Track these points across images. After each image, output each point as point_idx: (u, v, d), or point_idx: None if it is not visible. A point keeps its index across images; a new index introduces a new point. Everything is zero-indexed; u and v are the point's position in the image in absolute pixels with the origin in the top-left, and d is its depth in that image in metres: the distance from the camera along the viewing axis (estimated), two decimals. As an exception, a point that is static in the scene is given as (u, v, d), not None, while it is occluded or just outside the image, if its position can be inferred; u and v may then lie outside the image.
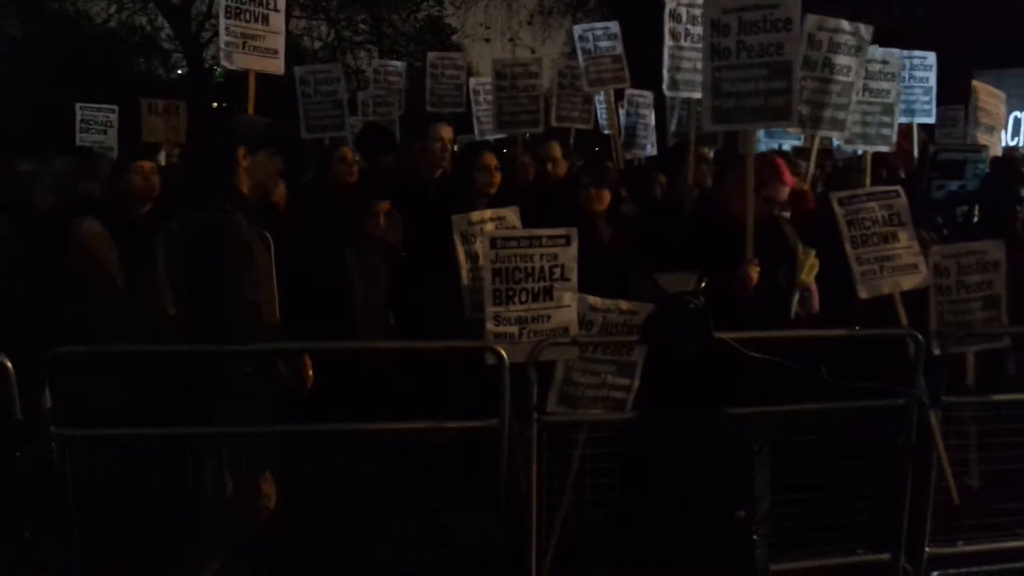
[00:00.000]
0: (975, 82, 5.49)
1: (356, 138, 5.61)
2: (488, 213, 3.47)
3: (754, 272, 3.30)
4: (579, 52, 5.78)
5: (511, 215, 3.48)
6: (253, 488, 3.03)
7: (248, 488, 3.02)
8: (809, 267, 3.40)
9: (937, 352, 3.45)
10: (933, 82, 5.73)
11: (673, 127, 5.98)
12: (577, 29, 5.94)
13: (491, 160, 4.05)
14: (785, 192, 3.51)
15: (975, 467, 3.66)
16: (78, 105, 7.35)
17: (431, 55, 7.20)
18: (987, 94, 5.50)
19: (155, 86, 17.81)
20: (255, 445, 3.05)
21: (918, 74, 5.64)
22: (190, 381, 2.96)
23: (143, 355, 3.01)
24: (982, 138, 5.28)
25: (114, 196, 3.98)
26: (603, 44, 5.74)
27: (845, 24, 3.75)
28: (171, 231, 3.02)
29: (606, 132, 7.20)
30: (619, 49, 5.77)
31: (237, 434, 3.00)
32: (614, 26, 5.83)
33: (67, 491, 2.90)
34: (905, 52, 5.34)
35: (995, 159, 4.93)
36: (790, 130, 4.17)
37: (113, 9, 19.16)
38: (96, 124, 7.29)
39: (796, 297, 3.40)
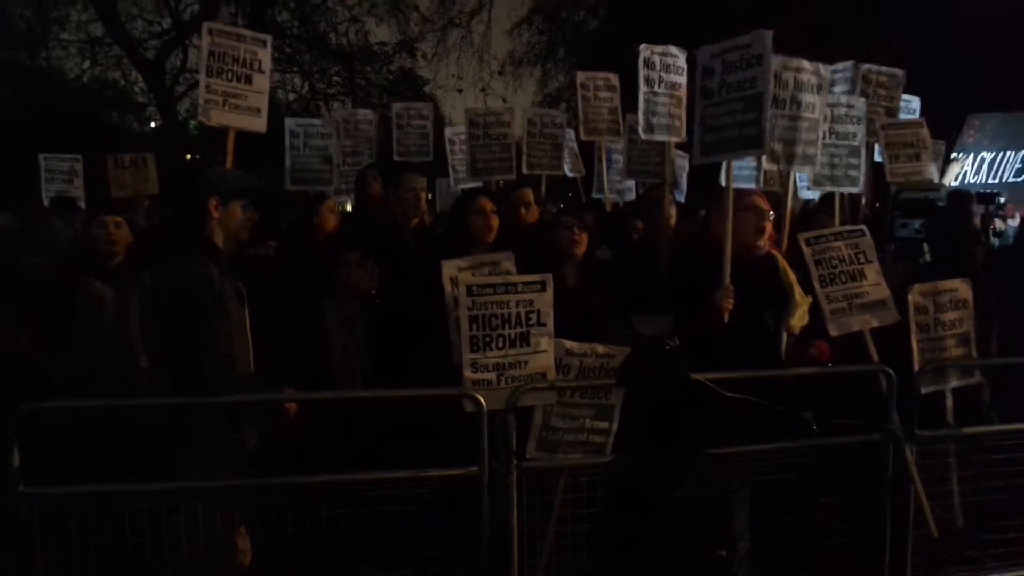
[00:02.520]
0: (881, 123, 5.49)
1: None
2: (480, 259, 3.45)
3: (728, 301, 3.30)
4: (579, 99, 5.93)
5: (506, 261, 3.44)
6: (228, 544, 2.97)
7: (223, 544, 2.96)
8: (801, 314, 3.43)
9: (923, 391, 3.51)
10: (899, 102, 5.72)
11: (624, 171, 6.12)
12: (580, 75, 6.10)
13: (487, 204, 4.01)
14: (763, 203, 3.56)
15: (957, 501, 3.67)
16: (41, 156, 7.36)
17: (396, 105, 7.31)
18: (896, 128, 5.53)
19: (128, 139, 17.81)
20: (230, 499, 2.99)
21: (882, 92, 5.59)
22: (162, 435, 2.92)
23: (116, 409, 2.96)
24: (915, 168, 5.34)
25: (84, 250, 3.98)
26: (603, 95, 5.93)
27: (806, 63, 3.92)
28: (144, 283, 3.00)
29: (571, 175, 7.37)
30: (616, 101, 5.96)
31: (212, 488, 2.95)
32: (614, 78, 6.01)
33: (36, 552, 2.82)
34: (873, 67, 5.44)
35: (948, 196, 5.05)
36: (766, 166, 4.28)
37: (87, 64, 19.25)
38: (61, 174, 7.29)
39: (784, 339, 3.39)
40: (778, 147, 3.96)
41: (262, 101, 4.64)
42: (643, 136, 4.90)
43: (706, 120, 3.73)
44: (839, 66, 5.50)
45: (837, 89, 5.35)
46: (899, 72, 5.60)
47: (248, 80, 4.55)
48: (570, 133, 6.73)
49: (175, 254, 2.98)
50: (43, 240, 4.11)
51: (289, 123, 6.18)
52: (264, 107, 4.67)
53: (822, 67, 4.05)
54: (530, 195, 4.95)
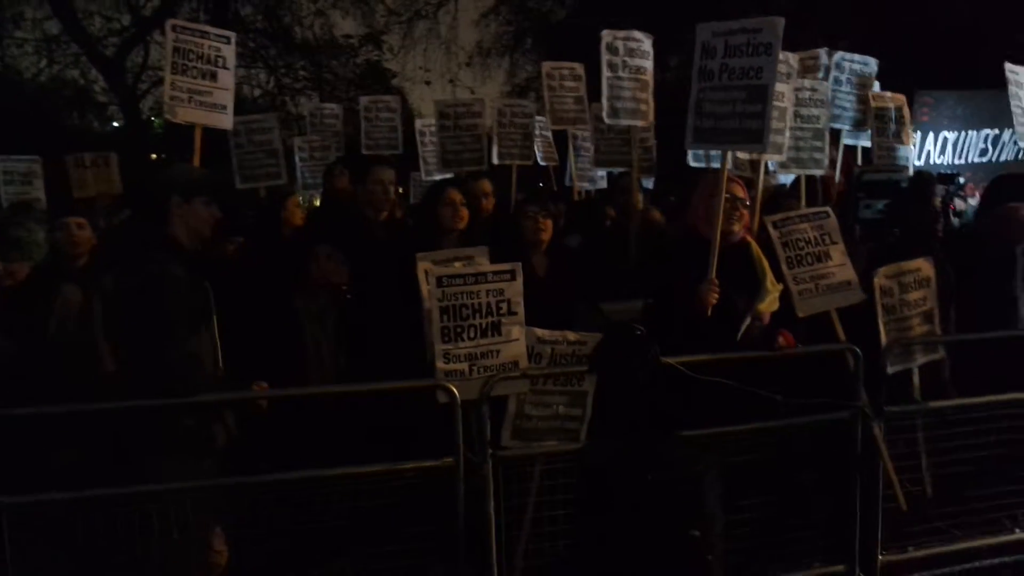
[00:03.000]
0: (872, 93, 5.53)
1: None
2: (454, 253, 3.44)
3: (713, 296, 3.33)
4: (545, 89, 5.91)
5: (480, 256, 3.43)
6: (203, 545, 2.94)
7: (198, 545, 2.93)
8: (771, 300, 3.46)
9: (890, 371, 3.57)
10: (876, 90, 5.72)
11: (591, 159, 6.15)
12: (545, 66, 6.08)
13: (456, 195, 4.03)
14: (739, 191, 3.56)
15: (926, 474, 3.75)
16: None
17: (364, 99, 7.28)
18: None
19: (90, 139, 17.44)
20: (204, 500, 2.96)
21: (855, 79, 5.55)
22: (129, 438, 2.88)
23: (81, 414, 2.91)
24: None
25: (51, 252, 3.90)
26: (569, 84, 5.91)
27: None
28: (106, 286, 2.95)
29: (543, 164, 7.38)
30: (582, 91, 5.95)
31: (184, 490, 2.92)
32: (580, 68, 6.00)
33: (5, 563, 2.77)
34: (846, 55, 5.49)
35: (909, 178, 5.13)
36: (740, 154, 4.27)
37: (44, 63, 18.79)
38: (19, 175, 7.11)
39: (746, 322, 3.43)
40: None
41: (228, 98, 4.60)
42: (608, 121, 4.92)
43: (703, 104, 3.53)
44: (813, 52, 5.54)
45: (819, 76, 5.39)
46: (872, 60, 5.67)
47: (213, 77, 4.50)
48: (545, 122, 6.72)
49: (137, 254, 2.93)
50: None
51: None
52: (230, 104, 4.63)
53: (791, 56, 4.06)
54: (488, 186, 4.95)
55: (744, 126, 3.41)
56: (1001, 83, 5.09)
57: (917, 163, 7.30)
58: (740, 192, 3.57)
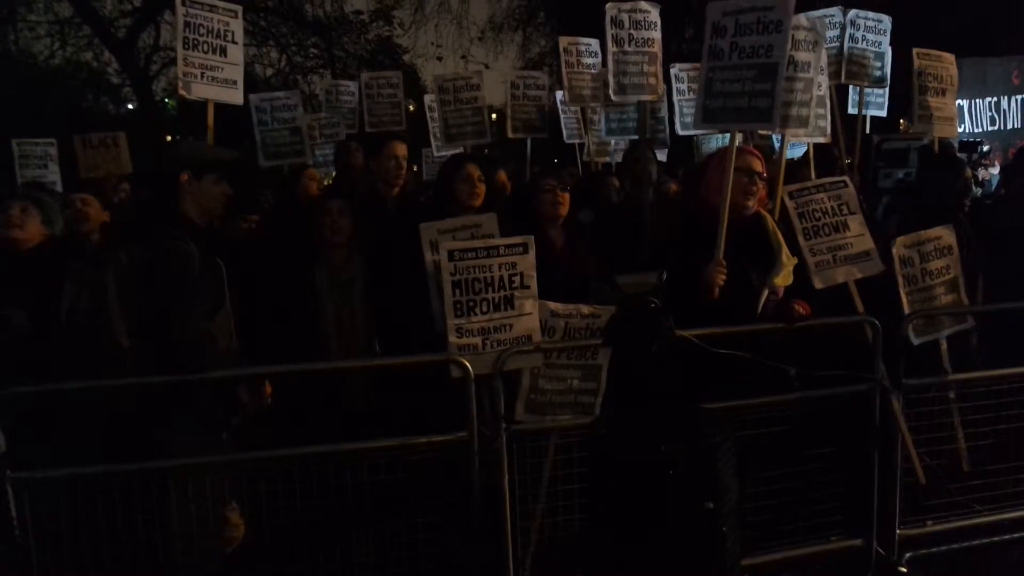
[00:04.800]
0: (917, 50, 5.29)
1: None
2: (462, 221, 3.40)
3: (720, 275, 3.28)
4: (562, 65, 5.82)
5: (489, 222, 3.39)
6: (220, 519, 2.97)
7: (215, 519, 2.95)
8: (786, 274, 3.41)
9: (916, 342, 3.52)
10: (887, 47, 5.60)
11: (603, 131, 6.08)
12: (562, 41, 5.97)
13: (473, 170, 3.93)
14: (757, 164, 3.49)
15: (961, 445, 3.69)
16: (15, 141, 7.23)
17: (365, 75, 7.22)
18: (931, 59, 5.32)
19: (105, 121, 17.53)
20: (220, 475, 2.98)
21: (871, 36, 5.45)
22: (145, 414, 2.89)
23: (99, 390, 2.93)
24: (935, 102, 5.18)
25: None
26: (586, 61, 5.83)
27: (803, 20, 3.74)
28: (120, 261, 2.95)
29: (568, 142, 7.31)
30: (599, 67, 5.85)
31: (202, 465, 2.94)
32: (596, 44, 5.90)
33: (27, 537, 2.81)
34: (860, 12, 5.36)
35: (926, 148, 5.01)
36: (760, 131, 4.17)
37: (56, 46, 18.84)
38: (35, 159, 7.17)
39: (764, 297, 3.38)
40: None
41: (238, 73, 4.60)
42: (614, 97, 4.85)
43: (713, 84, 3.50)
44: (828, 11, 5.40)
45: (830, 34, 5.26)
46: (885, 18, 5.52)
47: (223, 52, 4.50)
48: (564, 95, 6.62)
49: (150, 230, 2.93)
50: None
51: (254, 99, 6.09)
52: (240, 79, 4.63)
53: (819, 22, 3.95)
54: (504, 175, 4.93)
55: (753, 104, 3.38)
56: (1001, 50, 4.97)
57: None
58: (758, 166, 3.50)
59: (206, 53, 4.44)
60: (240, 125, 6.26)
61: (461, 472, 3.06)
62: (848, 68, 5.20)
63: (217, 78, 4.49)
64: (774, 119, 3.36)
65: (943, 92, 5.28)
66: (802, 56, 3.72)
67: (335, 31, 19.50)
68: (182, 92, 4.47)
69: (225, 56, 4.52)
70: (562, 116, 7.27)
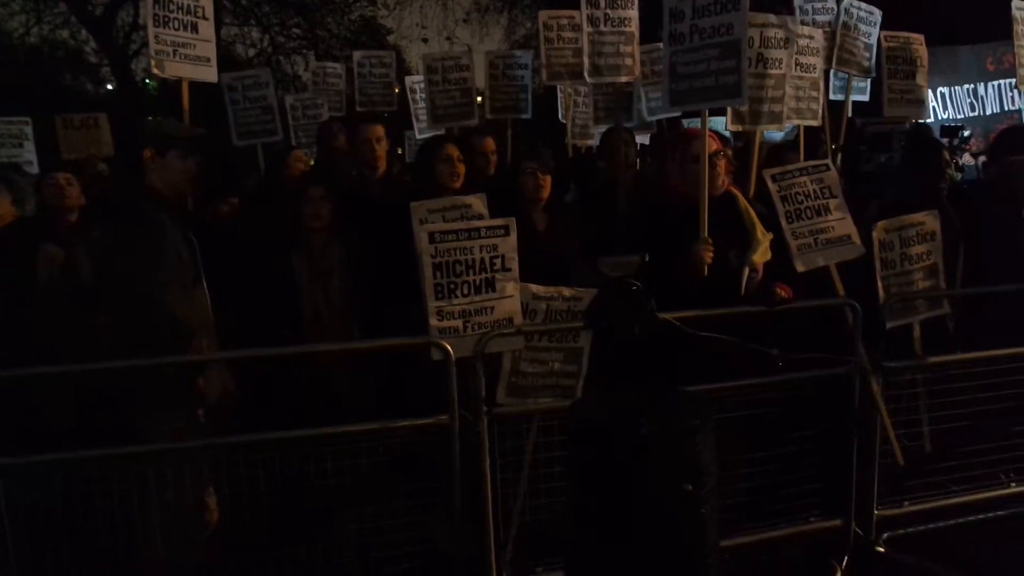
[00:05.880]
0: (884, 33, 5.32)
1: None
2: (452, 201, 3.36)
3: (708, 253, 3.29)
4: (541, 40, 5.63)
5: (477, 203, 3.36)
6: (199, 503, 2.94)
7: (194, 503, 2.93)
8: (763, 250, 3.41)
9: (889, 326, 3.53)
10: (875, 40, 5.50)
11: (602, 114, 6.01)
12: (542, 15, 5.74)
13: (453, 151, 3.93)
14: (712, 144, 3.48)
15: (926, 429, 3.73)
16: None
17: (357, 54, 7.06)
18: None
19: (84, 102, 17.24)
20: (198, 458, 2.95)
21: (863, 27, 5.40)
22: (117, 396, 2.85)
23: (71, 375, 2.86)
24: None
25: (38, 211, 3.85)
26: (567, 35, 5.67)
27: (773, 18, 3.78)
28: (93, 238, 2.90)
29: (563, 121, 7.21)
30: (581, 42, 5.74)
31: (181, 450, 2.91)
32: (579, 17, 5.79)
33: (2, 524, 2.77)
34: (855, 2, 5.34)
35: (911, 132, 5.01)
36: (731, 128, 4.15)
37: (32, 22, 18.46)
38: (9, 137, 7.04)
39: (745, 275, 3.39)
40: (743, 107, 3.84)
41: (210, 50, 4.51)
42: (589, 80, 4.78)
43: (677, 67, 3.55)
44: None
45: (821, 18, 5.23)
46: (877, 11, 5.51)
47: (195, 28, 4.41)
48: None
49: (119, 205, 2.89)
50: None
51: (225, 78, 5.95)
52: (213, 56, 4.54)
53: (789, 19, 3.95)
54: (491, 144, 4.84)
55: (721, 82, 3.42)
56: (976, 38, 4.96)
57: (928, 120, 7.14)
58: (714, 144, 3.51)
59: (177, 30, 4.34)
60: (218, 106, 6.16)
61: (442, 456, 3.05)
62: (840, 55, 5.18)
63: (190, 55, 4.40)
64: (743, 92, 3.41)
65: (912, 74, 5.29)
66: (773, 54, 3.77)
67: (318, 11, 19.24)
68: (155, 70, 4.39)
69: (197, 32, 4.43)
70: (559, 95, 7.17)
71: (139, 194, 2.92)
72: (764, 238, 3.40)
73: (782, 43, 3.81)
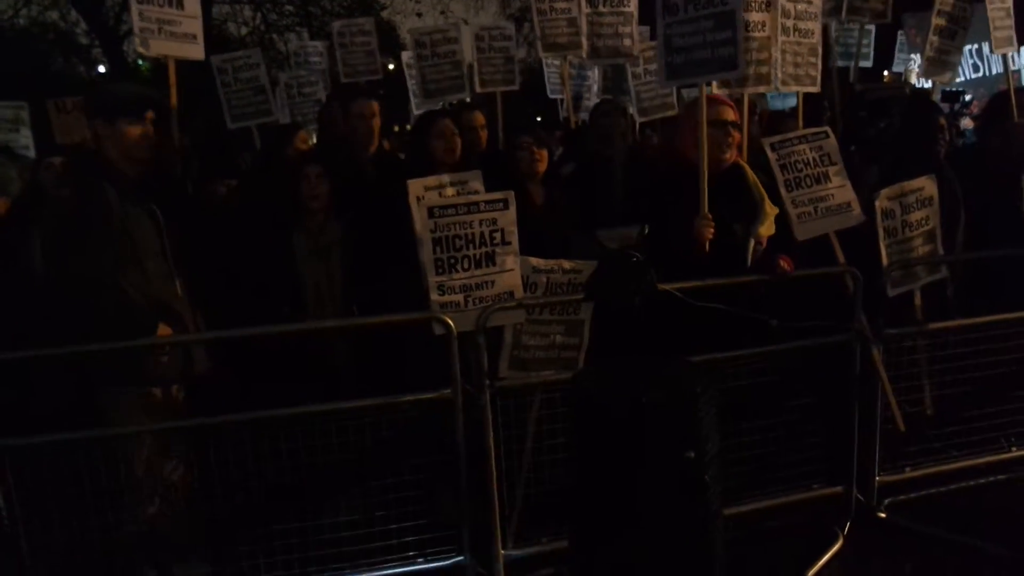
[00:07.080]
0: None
1: None
2: (448, 177, 3.33)
3: (708, 228, 3.27)
4: (534, 12, 5.50)
5: (474, 180, 3.33)
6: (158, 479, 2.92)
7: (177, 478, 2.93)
8: (769, 223, 3.40)
9: (891, 293, 3.53)
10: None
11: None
12: None
13: (447, 126, 3.89)
14: (729, 114, 3.47)
15: (928, 395, 3.74)
16: None
17: (337, 24, 6.87)
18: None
19: (77, 84, 17.10)
20: (163, 435, 2.94)
21: None
22: (83, 374, 2.79)
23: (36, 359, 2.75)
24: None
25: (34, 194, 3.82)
26: (560, 5, 5.59)
27: None
28: (44, 218, 2.84)
29: (551, 97, 7.16)
30: (575, 12, 5.65)
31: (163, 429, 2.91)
32: None
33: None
34: None
35: (911, 97, 4.94)
36: (717, 91, 4.10)
37: (20, 5, 18.24)
38: (6, 122, 6.96)
39: (751, 247, 3.38)
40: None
41: (196, 26, 4.38)
42: (588, 59, 4.74)
43: (672, 40, 3.48)
44: None
45: None
46: None
47: (179, 4, 4.28)
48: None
49: (67, 180, 2.83)
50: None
51: (215, 60, 5.84)
52: (199, 33, 4.42)
53: None
54: (481, 118, 4.78)
55: (717, 54, 3.36)
56: None
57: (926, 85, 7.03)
58: (731, 115, 3.48)
59: (162, 6, 4.21)
60: (210, 86, 6.08)
61: (446, 430, 3.06)
62: (850, 3, 5.06)
63: (175, 32, 4.27)
64: (740, 65, 3.36)
65: (953, 34, 5.09)
66: (755, 17, 3.71)
67: (311, -13, 19.01)
68: (140, 49, 4.27)
69: (182, 8, 4.29)
70: (546, 70, 7.12)
71: (86, 168, 2.79)
72: (771, 211, 3.38)
73: (763, 6, 3.76)
